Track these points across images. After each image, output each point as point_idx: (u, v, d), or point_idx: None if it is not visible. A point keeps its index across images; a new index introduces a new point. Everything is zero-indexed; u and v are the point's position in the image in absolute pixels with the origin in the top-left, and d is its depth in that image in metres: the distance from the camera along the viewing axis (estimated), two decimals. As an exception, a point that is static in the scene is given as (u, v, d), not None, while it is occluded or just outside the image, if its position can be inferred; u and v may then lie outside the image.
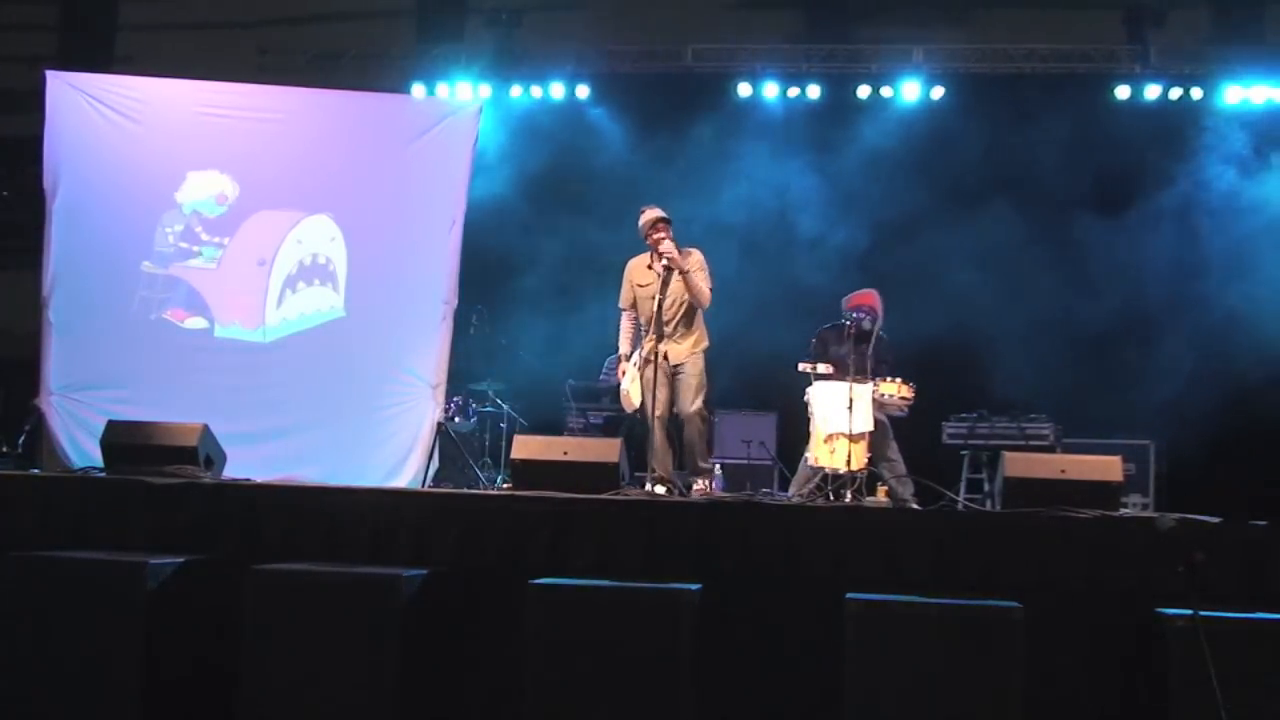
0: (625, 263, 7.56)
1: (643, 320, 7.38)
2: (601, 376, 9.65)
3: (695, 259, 7.26)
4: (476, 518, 5.35)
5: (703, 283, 7.21)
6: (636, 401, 7.29)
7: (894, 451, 7.75)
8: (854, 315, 7.82)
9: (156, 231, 9.06)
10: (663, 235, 7.21)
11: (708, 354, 7.35)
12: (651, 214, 7.30)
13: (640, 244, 7.41)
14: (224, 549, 5.35)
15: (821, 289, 9.14)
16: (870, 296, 8.01)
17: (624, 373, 7.40)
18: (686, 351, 7.22)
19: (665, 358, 7.14)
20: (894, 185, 10.14)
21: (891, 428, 7.80)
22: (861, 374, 7.49)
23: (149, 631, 4.87)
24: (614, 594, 4.76)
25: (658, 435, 7.13)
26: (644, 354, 7.19)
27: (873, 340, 7.81)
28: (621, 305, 7.53)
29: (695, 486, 7.05)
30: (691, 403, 7.16)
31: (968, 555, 5.07)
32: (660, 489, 6.89)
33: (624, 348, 7.50)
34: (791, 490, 7.78)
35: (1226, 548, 4.92)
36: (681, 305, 7.23)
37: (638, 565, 5.13)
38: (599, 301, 8.86)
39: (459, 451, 8.69)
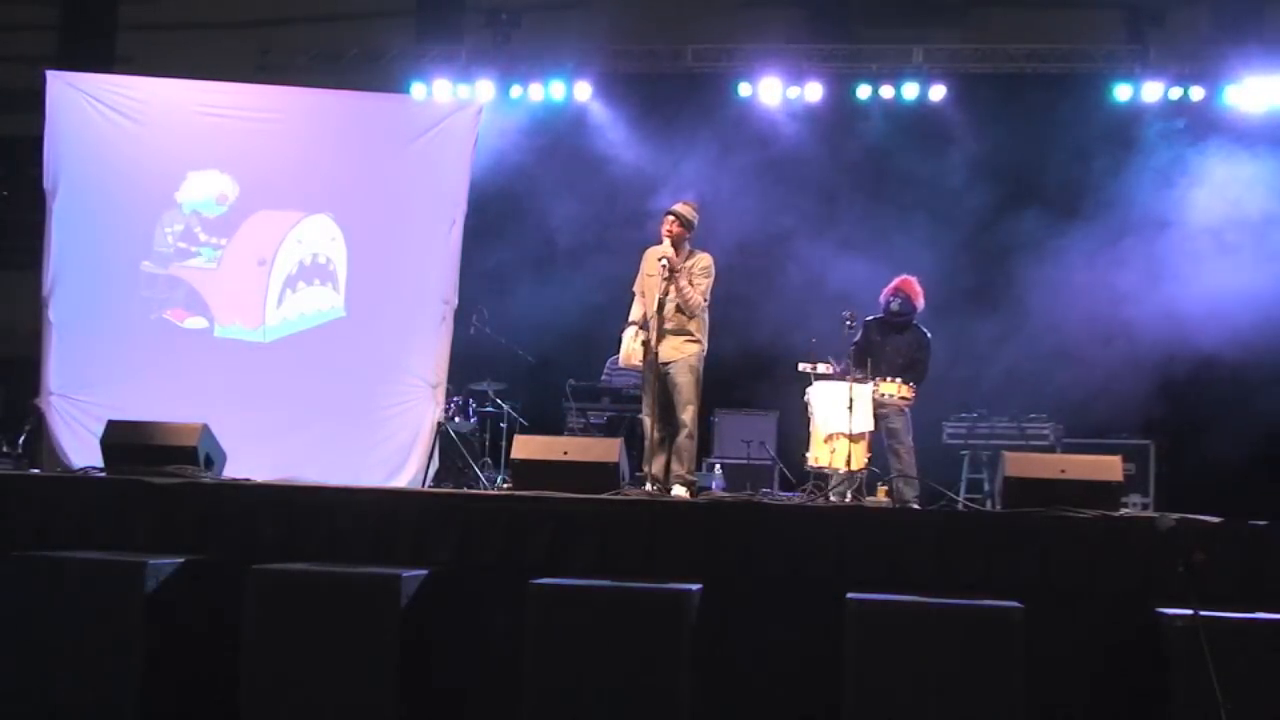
0: (625, 259, 7.52)
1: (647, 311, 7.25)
2: (602, 377, 9.66)
3: (699, 263, 7.14)
4: (476, 518, 5.34)
5: (694, 287, 7.03)
6: (635, 360, 7.18)
7: (907, 452, 7.72)
8: (885, 304, 7.90)
9: (156, 231, 9.07)
10: (666, 228, 7.13)
11: (703, 359, 7.14)
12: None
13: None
14: (224, 549, 5.35)
15: (822, 288, 9.14)
16: (907, 282, 8.03)
17: (631, 332, 7.23)
18: (674, 351, 7.05)
19: (657, 356, 7.04)
20: (894, 184, 10.14)
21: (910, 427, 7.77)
22: (893, 367, 7.54)
23: (149, 631, 4.87)
24: (614, 594, 4.76)
25: (651, 436, 7.06)
26: (648, 343, 7.06)
27: (908, 332, 7.87)
28: (634, 290, 7.42)
29: (674, 493, 6.86)
30: (681, 409, 7.02)
31: (968, 555, 5.07)
32: (655, 488, 6.86)
33: (633, 317, 7.30)
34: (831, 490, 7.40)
35: (1226, 548, 4.92)
36: (678, 306, 7.10)
37: (638, 565, 5.13)
38: (599, 301, 8.86)
39: (459, 451, 8.68)
